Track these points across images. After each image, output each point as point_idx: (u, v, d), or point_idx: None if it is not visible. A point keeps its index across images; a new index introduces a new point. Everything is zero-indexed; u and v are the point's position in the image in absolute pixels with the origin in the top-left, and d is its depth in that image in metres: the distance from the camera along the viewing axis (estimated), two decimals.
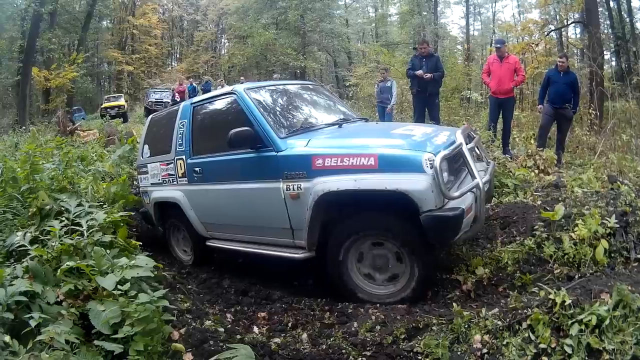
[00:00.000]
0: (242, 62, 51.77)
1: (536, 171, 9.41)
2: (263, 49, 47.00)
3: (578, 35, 37.88)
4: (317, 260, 5.87)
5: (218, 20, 70.57)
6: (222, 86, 28.52)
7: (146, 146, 8.76)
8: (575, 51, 34.21)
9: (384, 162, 5.02)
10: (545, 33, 28.98)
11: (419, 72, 12.19)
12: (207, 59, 69.15)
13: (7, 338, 3.62)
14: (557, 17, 36.45)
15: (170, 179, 7.86)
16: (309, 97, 7.96)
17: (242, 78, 30.87)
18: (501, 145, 11.55)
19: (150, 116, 9.59)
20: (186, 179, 7.46)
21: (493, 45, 13.78)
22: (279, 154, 5.83)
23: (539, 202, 6.85)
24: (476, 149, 6.23)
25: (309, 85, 8.67)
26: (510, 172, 8.79)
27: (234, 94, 6.73)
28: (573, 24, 32.84)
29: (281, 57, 44.84)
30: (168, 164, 7.88)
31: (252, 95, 6.62)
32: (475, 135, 6.48)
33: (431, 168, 4.78)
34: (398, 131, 6.08)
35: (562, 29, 32.34)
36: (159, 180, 8.16)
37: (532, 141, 12.04)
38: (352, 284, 5.61)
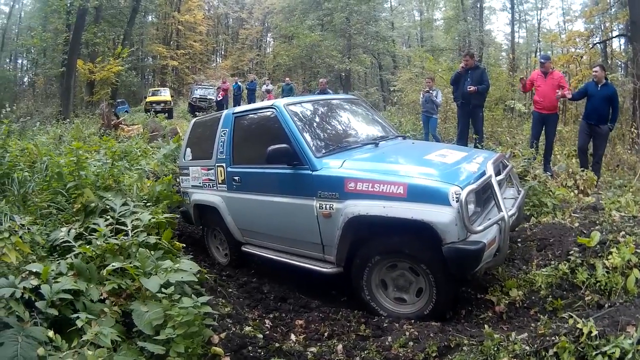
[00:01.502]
0: (287, 62, 51.62)
1: (576, 191, 9.37)
2: (308, 50, 46.84)
3: (622, 47, 37.36)
4: (346, 275, 6.01)
5: (263, 19, 70.73)
6: (267, 85, 28.61)
7: (188, 149, 9.05)
8: (620, 64, 33.78)
9: (413, 192, 5.18)
10: (590, 45, 28.65)
11: (461, 65, 12.47)
12: (252, 57, 69.45)
13: (50, 333, 3.75)
14: (602, 27, 36.06)
15: (211, 184, 8.12)
16: (348, 112, 8.13)
17: (287, 79, 30.77)
18: (542, 162, 11.41)
19: (194, 120, 9.91)
20: (225, 185, 7.72)
21: (538, 60, 13.71)
22: (314, 173, 6.04)
23: (576, 224, 6.78)
24: (509, 176, 6.51)
25: (349, 100, 8.79)
26: (551, 191, 8.74)
27: (274, 108, 6.92)
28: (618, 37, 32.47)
29: (326, 60, 44.67)
30: (209, 169, 8.15)
31: (291, 112, 6.82)
32: (508, 164, 6.61)
33: (457, 201, 4.91)
34: (431, 157, 6.17)
35: (607, 41, 31.88)
36: (200, 183, 8.44)
37: (574, 159, 11.95)
38: (374, 299, 5.79)
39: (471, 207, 5.14)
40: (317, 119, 7.42)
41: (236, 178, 7.47)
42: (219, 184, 7.87)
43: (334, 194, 5.79)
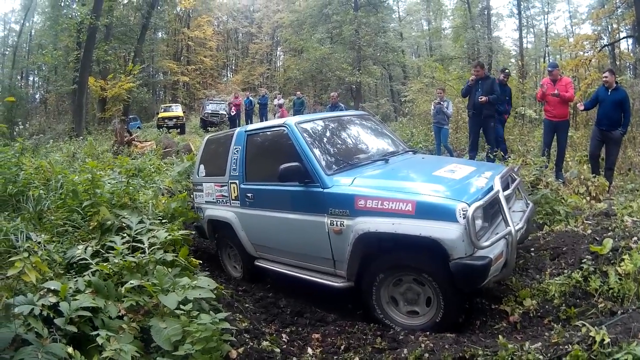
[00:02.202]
0: (298, 75, 51.65)
1: (588, 198, 9.38)
2: (318, 64, 46.86)
3: (630, 48, 37.25)
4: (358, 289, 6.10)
5: (273, 33, 70.90)
6: (279, 99, 28.69)
7: (202, 166, 9.26)
8: (628, 65, 33.72)
9: (421, 209, 5.28)
10: (598, 48, 28.62)
11: (472, 78, 12.46)
12: (262, 71, 69.58)
13: (70, 349, 3.78)
14: (609, 29, 36.02)
15: (224, 200, 8.29)
16: (358, 128, 8.28)
17: (298, 93, 30.82)
18: (554, 170, 11.46)
19: (207, 137, 10.02)
20: (239, 202, 7.87)
21: (546, 68, 13.71)
22: (325, 190, 6.19)
23: (589, 231, 6.80)
24: (518, 189, 6.66)
25: (359, 116, 8.93)
26: (563, 199, 8.77)
27: (285, 127, 7.10)
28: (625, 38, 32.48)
29: (337, 72, 44.66)
30: (222, 186, 8.32)
31: (302, 130, 6.99)
32: (517, 177, 6.73)
33: (464, 218, 5.01)
34: (440, 172, 6.28)
35: (615, 43, 31.86)
36: (213, 199, 8.59)
37: (586, 166, 11.94)
38: (387, 317, 5.88)
39: (479, 222, 5.25)
40: (328, 137, 7.59)
41: (249, 195, 7.63)
42: (232, 200, 8.02)
43: (345, 211, 5.91)
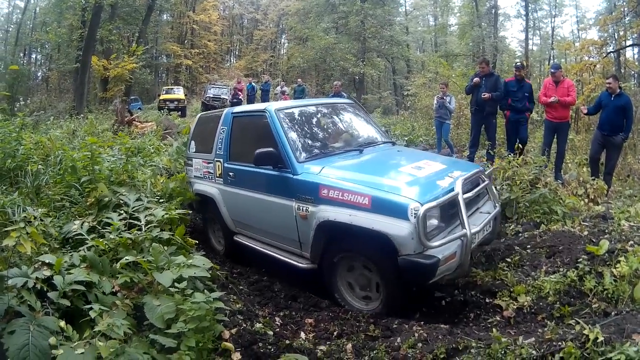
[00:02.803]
0: (302, 64, 51.63)
1: (586, 200, 9.37)
2: (323, 53, 46.86)
3: (636, 56, 37.24)
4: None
5: (278, 21, 70.81)
6: (282, 87, 28.71)
7: (193, 142, 9.61)
8: (633, 73, 33.71)
9: (376, 204, 5.52)
10: (604, 54, 28.55)
11: (476, 79, 12.34)
12: (265, 58, 69.56)
13: (62, 323, 3.81)
14: (616, 36, 35.96)
15: (210, 176, 8.65)
16: (340, 117, 8.59)
17: (299, 80, 30.96)
18: (553, 170, 11.46)
19: (199, 115, 10.60)
20: (222, 179, 8.24)
21: (549, 70, 13.60)
22: (295, 177, 6.51)
23: (585, 233, 6.82)
24: (487, 190, 6.86)
25: (344, 104, 9.16)
26: (561, 199, 8.78)
27: (265, 112, 7.36)
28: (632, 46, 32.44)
29: (341, 62, 44.69)
30: (208, 163, 8.67)
31: (281, 117, 7.25)
32: (486, 180, 6.84)
33: (415, 217, 5.18)
34: (406, 168, 6.47)
35: (621, 50, 31.80)
36: (201, 175, 8.96)
37: (585, 168, 11.93)
38: (344, 300, 6.28)
39: (434, 222, 5.48)
40: (307, 124, 7.87)
41: (231, 174, 7.99)
42: (217, 177, 8.38)
43: (310, 198, 6.23)
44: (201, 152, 9.07)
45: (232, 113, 8.44)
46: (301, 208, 6.34)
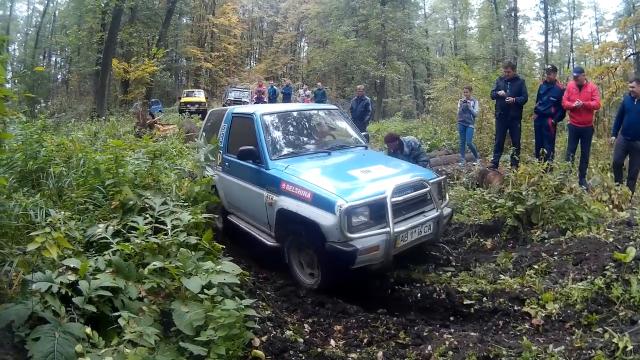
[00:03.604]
0: (322, 67, 51.51)
1: (610, 206, 9.29)
2: (344, 56, 46.79)
3: None
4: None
5: (298, 24, 70.78)
6: (305, 90, 28.82)
7: (204, 133, 11.32)
8: None
9: (315, 199, 6.84)
10: (624, 57, 28.28)
11: (501, 92, 12.16)
12: (286, 61, 69.60)
13: (88, 330, 3.76)
14: (635, 38, 35.70)
15: (213, 164, 9.85)
16: (320, 122, 9.98)
17: (319, 84, 31.15)
18: (578, 176, 11.28)
19: (211, 110, 12.77)
20: (221, 167, 9.79)
21: (571, 73, 13.39)
22: (266, 171, 8.03)
23: (611, 239, 6.81)
24: (429, 195, 7.57)
25: (327, 110, 10.64)
26: (586, 205, 8.69)
27: (252, 115, 8.88)
28: None
29: (362, 66, 44.61)
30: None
31: (264, 120, 8.79)
32: (428, 186, 7.47)
33: (339, 212, 6.38)
34: (355, 171, 7.67)
35: None
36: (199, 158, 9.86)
37: (608, 174, 11.78)
38: (296, 275, 7.52)
39: (362, 218, 6.71)
40: (287, 128, 9.44)
41: (227, 163, 9.57)
42: (218, 165, 9.89)
43: (275, 189, 7.66)
44: (208, 142, 10.03)
45: (232, 113, 10.00)
46: (269, 196, 7.76)
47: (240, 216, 9.29)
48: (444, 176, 8.64)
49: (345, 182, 7.17)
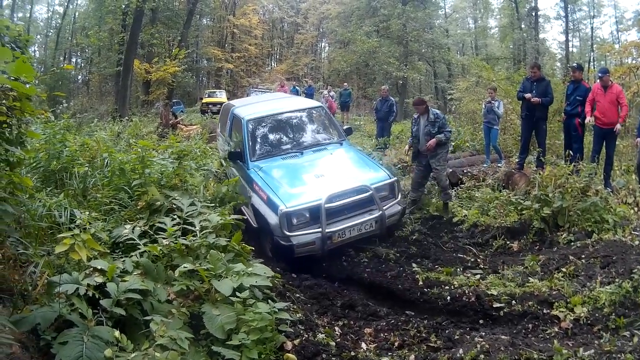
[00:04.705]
0: (344, 67, 51.38)
1: (635, 209, 9.21)
2: (365, 56, 46.65)
3: None
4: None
5: (319, 24, 70.70)
6: (329, 91, 28.96)
7: (219, 123, 13.46)
8: None
9: (268, 201, 8.45)
10: None
11: (528, 95, 12.02)
12: (307, 62, 69.54)
13: (117, 333, 3.72)
14: None
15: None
16: (301, 123, 11.12)
17: (344, 84, 31.70)
18: (603, 178, 11.10)
19: (225, 104, 14.92)
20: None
21: (596, 74, 13.23)
22: (248, 170, 9.57)
23: (637, 243, 6.84)
24: (373, 198, 8.67)
25: (311, 109, 11.67)
26: (611, 207, 8.62)
27: (242, 119, 10.35)
28: None
29: (384, 66, 44.49)
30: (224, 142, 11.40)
31: (249, 124, 10.26)
32: (370, 190, 8.64)
33: (280, 214, 7.96)
34: (308, 176, 9.06)
35: None
36: (221, 148, 11.82)
37: (633, 176, 11.66)
38: (267, 253, 8.59)
39: (302, 219, 8.24)
40: (267, 131, 10.64)
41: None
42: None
43: (251, 187, 9.23)
44: (221, 132, 12.58)
45: (233, 112, 11.36)
46: (249, 191, 9.22)
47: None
48: (395, 178, 9.41)
49: (293, 188, 8.67)
